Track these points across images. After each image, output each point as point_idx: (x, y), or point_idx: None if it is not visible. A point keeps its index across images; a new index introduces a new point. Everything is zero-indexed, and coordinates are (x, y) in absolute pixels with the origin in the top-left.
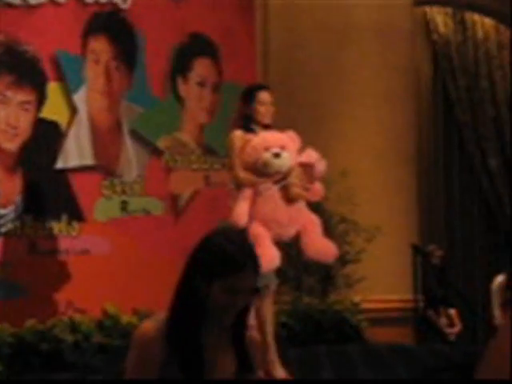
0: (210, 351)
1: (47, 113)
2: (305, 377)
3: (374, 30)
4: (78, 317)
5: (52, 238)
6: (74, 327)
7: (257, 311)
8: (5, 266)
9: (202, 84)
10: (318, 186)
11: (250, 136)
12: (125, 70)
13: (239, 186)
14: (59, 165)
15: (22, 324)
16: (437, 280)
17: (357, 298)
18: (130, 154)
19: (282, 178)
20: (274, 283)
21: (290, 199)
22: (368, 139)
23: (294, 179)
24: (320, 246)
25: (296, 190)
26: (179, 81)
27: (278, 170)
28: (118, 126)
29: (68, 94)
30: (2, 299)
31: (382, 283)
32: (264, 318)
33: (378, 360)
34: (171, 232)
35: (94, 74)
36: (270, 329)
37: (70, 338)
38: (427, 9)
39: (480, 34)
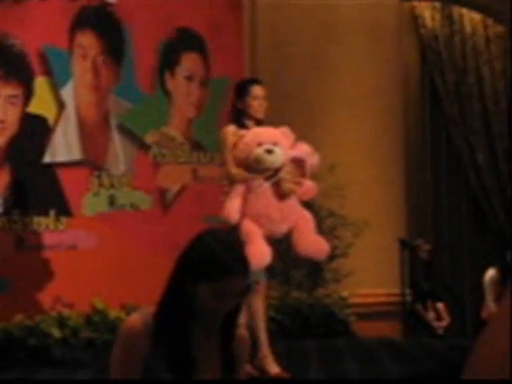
0: (197, 349)
1: (34, 107)
2: (293, 371)
3: (362, 24)
4: (65, 312)
5: (40, 232)
6: (61, 322)
7: (248, 307)
8: None
9: (189, 79)
10: (310, 185)
11: (242, 131)
12: (112, 64)
13: (231, 181)
14: (47, 159)
15: (9, 319)
16: (424, 274)
17: (345, 293)
18: (118, 149)
19: (273, 174)
20: (264, 279)
21: (282, 195)
22: (356, 134)
23: (286, 175)
24: (311, 243)
25: (288, 186)
26: (167, 75)
27: (270, 165)
28: (105, 120)
29: (55, 88)
30: None
31: (369, 277)
32: (256, 314)
33: (367, 354)
34: (159, 226)
35: (81, 68)
36: (262, 325)
37: (57, 333)
38: (415, 3)
39: (468, 28)
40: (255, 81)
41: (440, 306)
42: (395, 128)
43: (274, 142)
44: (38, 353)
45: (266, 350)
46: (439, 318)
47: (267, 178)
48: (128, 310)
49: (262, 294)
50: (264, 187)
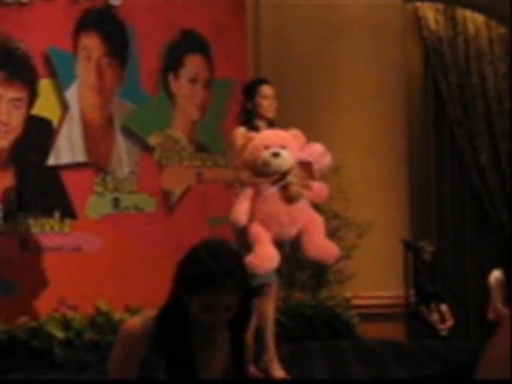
0: (199, 351)
1: (39, 110)
2: (296, 373)
3: (366, 25)
4: (70, 314)
5: (44, 234)
6: (66, 324)
7: (257, 310)
8: None
9: (193, 81)
10: (321, 187)
11: (252, 134)
12: (116, 66)
13: (241, 184)
14: (51, 162)
15: (13, 321)
16: (428, 276)
17: (348, 294)
18: (122, 151)
19: (281, 178)
20: (275, 282)
21: (290, 199)
22: (359, 135)
23: (294, 178)
24: (321, 246)
25: (295, 189)
26: (171, 77)
27: (276, 169)
28: (109, 122)
29: (59, 90)
30: None
31: (373, 279)
32: (265, 318)
33: (370, 356)
34: (163, 228)
35: (85, 70)
36: (270, 328)
37: (62, 334)
38: (418, 5)
39: (471, 29)
40: (264, 80)
41: (444, 307)
42: (399, 129)
43: (282, 145)
44: (42, 355)
45: (272, 353)
46: (443, 319)
47: (275, 182)
48: (132, 311)
49: (273, 297)
50: (272, 191)
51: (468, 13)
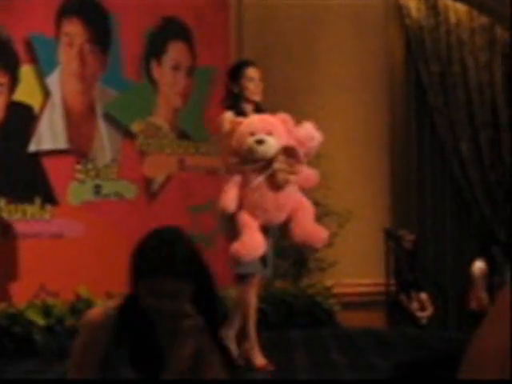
0: (166, 339)
1: (20, 96)
2: (277, 360)
3: (347, 14)
4: (50, 300)
5: (25, 221)
6: (46, 310)
7: (239, 298)
8: None
9: (175, 68)
10: (310, 172)
11: (239, 119)
12: (99, 53)
13: (227, 171)
14: (32, 148)
15: None
16: (408, 264)
17: (329, 282)
18: (104, 138)
19: (268, 164)
20: (260, 271)
21: (277, 186)
22: (341, 124)
23: (280, 165)
24: (308, 231)
25: (282, 176)
26: (153, 64)
27: (261, 156)
28: (91, 109)
29: (41, 76)
30: None
31: (354, 267)
32: (247, 305)
33: (350, 344)
34: (144, 216)
35: (67, 56)
36: (252, 317)
37: (42, 321)
38: None
39: (452, 19)
40: (249, 62)
41: (423, 296)
42: (380, 118)
43: (268, 131)
44: (23, 341)
45: (253, 341)
46: (422, 308)
47: (262, 170)
48: (113, 298)
49: (256, 285)
50: (259, 179)
51: (449, 2)
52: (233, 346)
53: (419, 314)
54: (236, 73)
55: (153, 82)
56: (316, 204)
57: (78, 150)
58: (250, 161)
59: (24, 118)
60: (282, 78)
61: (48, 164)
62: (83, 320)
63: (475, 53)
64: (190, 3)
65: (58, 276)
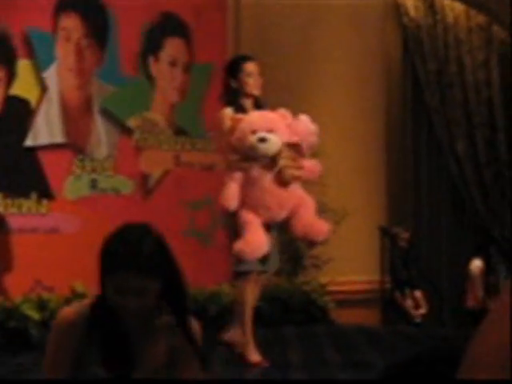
0: (136, 337)
1: (17, 90)
2: (272, 357)
3: (345, 12)
4: (45, 295)
5: (21, 215)
6: (41, 305)
7: (238, 294)
8: None
9: (173, 64)
10: (313, 164)
11: (239, 116)
12: (96, 48)
13: (228, 168)
14: (29, 142)
15: None
16: (403, 262)
17: (324, 280)
18: (101, 133)
19: (272, 161)
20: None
21: (284, 183)
22: (337, 121)
23: (286, 161)
24: (309, 225)
25: (290, 173)
26: (150, 60)
27: (264, 154)
28: (88, 104)
29: (38, 71)
30: None
31: (349, 265)
32: (244, 301)
33: (345, 341)
34: (140, 211)
35: (64, 51)
36: (249, 312)
37: (37, 315)
38: None
39: (450, 18)
40: (248, 57)
41: (418, 294)
42: (377, 116)
43: (270, 129)
44: (18, 335)
45: (248, 336)
46: (417, 306)
47: (269, 169)
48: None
49: (255, 283)
50: (261, 176)
51: (447, 1)
52: (242, 341)
53: (414, 311)
54: (234, 68)
55: (150, 77)
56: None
57: (75, 144)
58: (251, 158)
59: (21, 113)
60: (279, 75)
61: (44, 158)
62: (56, 318)
63: (472, 52)
64: None
65: (53, 271)
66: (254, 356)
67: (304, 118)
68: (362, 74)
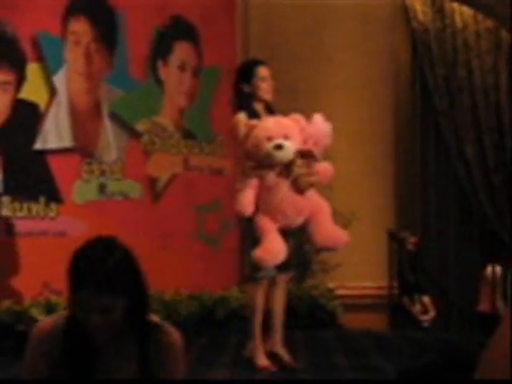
0: (108, 353)
1: (26, 94)
2: (280, 362)
3: (354, 15)
4: (54, 298)
5: (30, 219)
6: (50, 308)
7: (249, 298)
8: None
9: (182, 68)
10: (326, 167)
11: (253, 122)
12: (105, 52)
13: (244, 174)
14: (38, 146)
15: None
16: (410, 266)
17: (332, 284)
18: (109, 137)
19: (286, 168)
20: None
21: (301, 190)
22: (346, 125)
23: (300, 169)
24: (329, 233)
25: (305, 180)
26: (159, 64)
27: (280, 161)
28: (97, 108)
29: (47, 75)
30: None
31: (357, 269)
32: (252, 306)
33: (353, 346)
34: (149, 215)
35: (74, 55)
36: (258, 317)
37: (45, 319)
38: None
39: (458, 22)
40: (260, 61)
41: (426, 298)
42: (385, 120)
43: (285, 135)
44: (26, 338)
45: (258, 341)
46: (425, 310)
47: (284, 176)
48: None
49: (280, 289)
50: (277, 183)
51: (456, 5)
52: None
53: (422, 316)
54: (247, 72)
55: (159, 81)
56: None
57: (84, 148)
58: (266, 165)
59: (30, 116)
60: (288, 78)
61: (53, 162)
62: (33, 330)
63: (481, 56)
64: (197, 3)
65: (61, 274)
66: (262, 360)
67: (318, 119)
68: (370, 77)
